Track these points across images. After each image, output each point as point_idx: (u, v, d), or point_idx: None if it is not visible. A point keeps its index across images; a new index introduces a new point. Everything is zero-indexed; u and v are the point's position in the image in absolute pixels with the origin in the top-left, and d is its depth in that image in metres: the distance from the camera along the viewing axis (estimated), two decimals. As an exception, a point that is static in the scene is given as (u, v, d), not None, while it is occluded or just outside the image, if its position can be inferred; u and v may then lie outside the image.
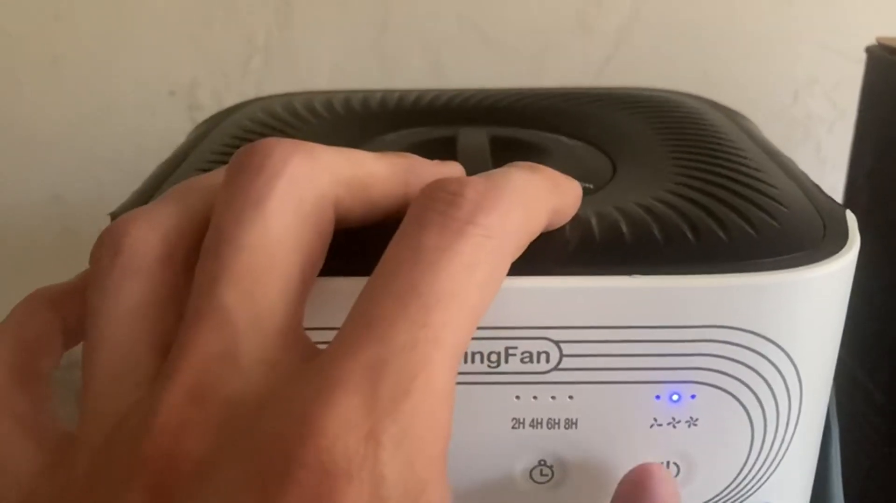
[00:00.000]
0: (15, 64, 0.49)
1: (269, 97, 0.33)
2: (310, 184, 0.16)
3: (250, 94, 0.50)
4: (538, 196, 0.17)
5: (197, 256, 0.16)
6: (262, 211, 0.16)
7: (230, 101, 0.50)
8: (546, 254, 0.19)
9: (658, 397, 0.19)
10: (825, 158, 0.51)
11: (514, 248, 0.16)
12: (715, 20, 0.49)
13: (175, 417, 0.14)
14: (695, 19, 0.49)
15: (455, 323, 0.14)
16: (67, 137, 0.50)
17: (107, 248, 0.17)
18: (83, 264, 0.19)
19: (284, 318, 0.15)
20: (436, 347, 0.14)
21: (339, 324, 0.18)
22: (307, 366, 0.15)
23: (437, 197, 0.16)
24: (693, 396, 0.19)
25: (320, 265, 0.17)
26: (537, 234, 0.17)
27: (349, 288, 0.17)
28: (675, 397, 0.19)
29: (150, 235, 0.17)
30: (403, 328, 0.14)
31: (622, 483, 0.20)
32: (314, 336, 0.16)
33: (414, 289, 0.14)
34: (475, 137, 0.27)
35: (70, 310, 0.18)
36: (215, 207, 0.16)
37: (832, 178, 0.41)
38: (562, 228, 0.19)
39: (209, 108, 0.50)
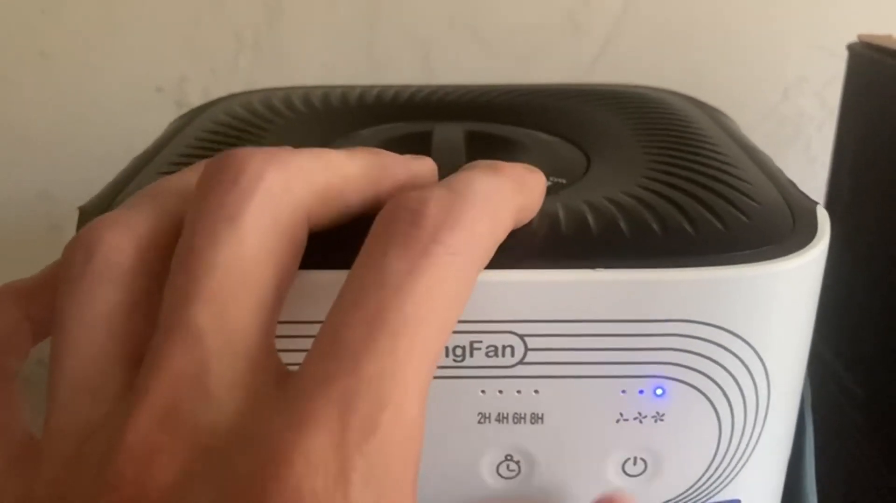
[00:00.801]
0: (1, 59, 0.49)
1: (248, 92, 0.32)
2: (285, 198, 0.16)
3: (238, 90, 0.50)
4: (502, 200, 0.17)
5: (168, 264, 0.16)
6: (236, 228, 0.15)
7: (218, 97, 0.50)
8: (512, 248, 0.18)
9: (624, 391, 0.19)
10: (815, 157, 0.51)
11: (481, 260, 0.16)
12: (704, 19, 0.49)
13: (144, 442, 0.14)
14: (684, 18, 0.49)
15: (423, 347, 0.14)
16: (55, 133, 0.50)
17: (79, 252, 0.16)
18: (44, 267, 0.19)
19: (257, 339, 0.15)
20: (404, 375, 0.14)
21: (304, 318, 0.18)
22: (278, 397, 0.14)
23: (399, 217, 0.15)
24: (659, 391, 0.19)
25: (293, 277, 0.17)
26: (504, 236, 0.17)
27: (320, 280, 0.17)
28: (641, 392, 0.19)
29: (124, 242, 0.16)
30: (371, 359, 0.14)
31: None
32: (285, 329, 0.16)
33: (380, 315, 0.14)
34: (451, 133, 0.27)
35: (38, 305, 0.18)
36: (187, 219, 0.16)
37: (822, 176, 0.41)
38: (529, 222, 0.19)
39: (196, 105, 0.50)
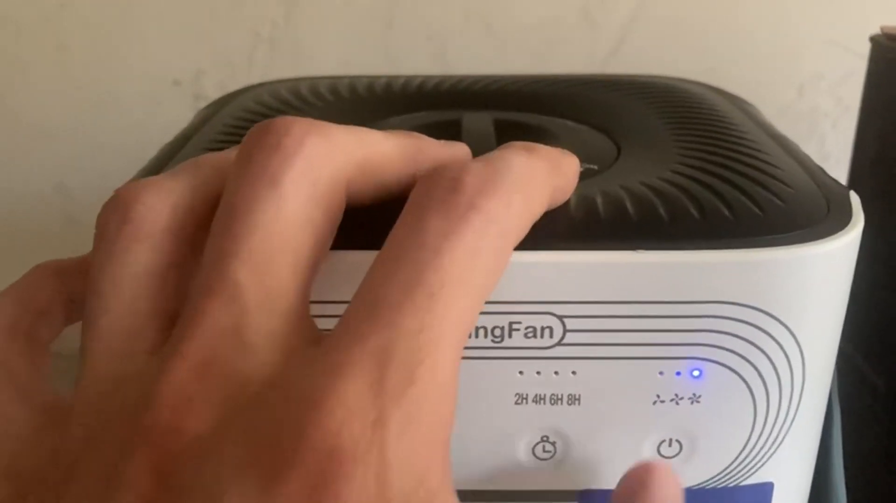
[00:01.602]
0: (20, 52, 0.49)
1: (275, 82, 0.33)
2: (325, 165, 0.16)
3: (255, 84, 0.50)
4: (538, 178, 0.17)
5: (205, 231, 0.16)
6: (276, 190, 0.15)
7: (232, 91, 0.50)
8: (550, 230, 0.19)
9: (661, 373, 0.19)
10: (829, 153, 0.51)
11: (517, 231, 0.16)
12: (719, 15, 0.49)
13: (179, 391, 0.14)
14: (699, 13, 0.49)
15: (459, 308, 0.14)
16: (72, 126, 0.50)
17: (115, 213, 0.17)
18: (87, 252, 0.19)
19: (294, 299, 0.15)
20: (441, 333, 0.14)
21: (337, 298, 0.18)
22: (314, 350, 0.15)
23: (439, 183, 0.16)
24: (696, 373, 0.19)
25: (329, 246, 0.17)
26: (539, 214, 0.17)
27: (353, 261, 0.17)
28: (678, 374, 0.19)
29: (160, 205, 0.17)
30: (409, 314, 0.14)
31: (624, 478, 0.20)
32: (314, 309, 0.16)
33: (419, 274, 0.14)
34: (480, 121, 0.27)
35: (76, 283, 0.18)
36: (228, 182, 0.16)
37: (836, 173, 0.41)
38: (566, 204, 0.20)
39: (213, 98, 0.50)
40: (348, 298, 0.15)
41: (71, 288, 0.18)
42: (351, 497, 0.13)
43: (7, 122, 0.50)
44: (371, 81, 0.31)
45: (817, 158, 0.51)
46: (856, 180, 0.35)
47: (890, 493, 0.32)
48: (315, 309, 0.16)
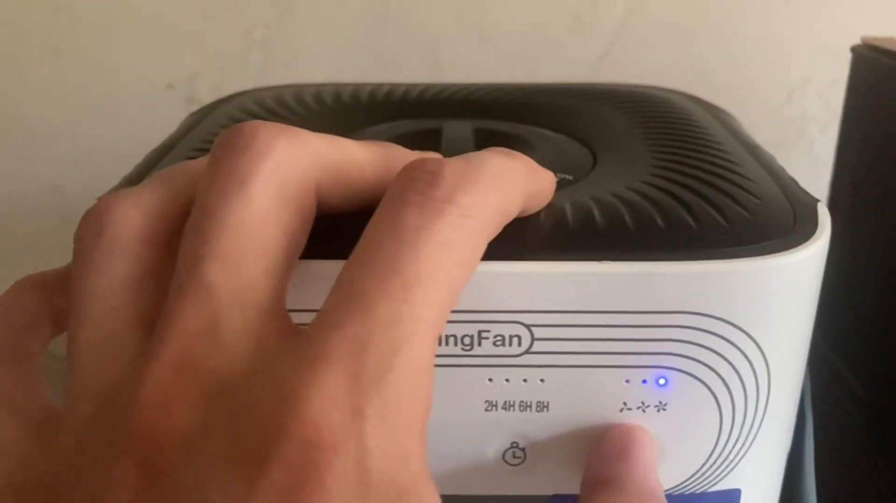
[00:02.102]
0: (15, 55, 0.49)
1: (261, 89, 0.33)
2: (294, 166, 0.16)
3: (248, 87, 0.51)
4: (515, 179, 0.18)
5: (180, 239, 0.16)
6: (246, 191, 0.16)
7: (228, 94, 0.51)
8: (520, 240, 0.19)
9: (628, 381, 0.20)
10: (818, 158, 0.51)
11: (491, 228, 0.17)
12: (709, 20, 0.49)
13: (160, 392, 0.14)
14: (689, 19, 0.49)
15: (434, 299, 0.15)
16: (67, 129, 0.51)
17: (90, 226, 0.17)
18: (67, 263, 0.20)
19: (267, 296, 0.16)
20: (417, 322, 0.14)
21: (318, 306, 0.19)
22: (290, 342, 0.15)
23: (416, 177, 0.16)
24: (662, 381, 0.20)
25: (302, 247, 0.17)
26: (513, 215, 0.18)
27: (327, 270, 0.17)
28: (644, 382, 0.20)
29: (134, 214, 0.17)
30: (385, 304, 0.14)
31: (603, 441, 0.20)
32: (294, 318, 0.17)
33: (394, 266, 0.15)
34: (460, 130, 0.27)
35: (59, 295, 0.18)
36: (199, 186, 0.17)
37: (825, 178, 0.41)
38: (536, 215, 0.20)
39: (207, 102, 0.50)
40: (320, 307, 0.15)
41: (54, 300, 0.18)
42: (333, 485, 0.13)
43: (3, 124, 0.51)
44: (356, 90, 0.31)
45: (807, 162, 0.52)
46: (837, 187, 0.35)
47: (870, 498, 0.32)
48: (292, 318, 0.17)
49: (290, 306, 0.17)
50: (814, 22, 0.49)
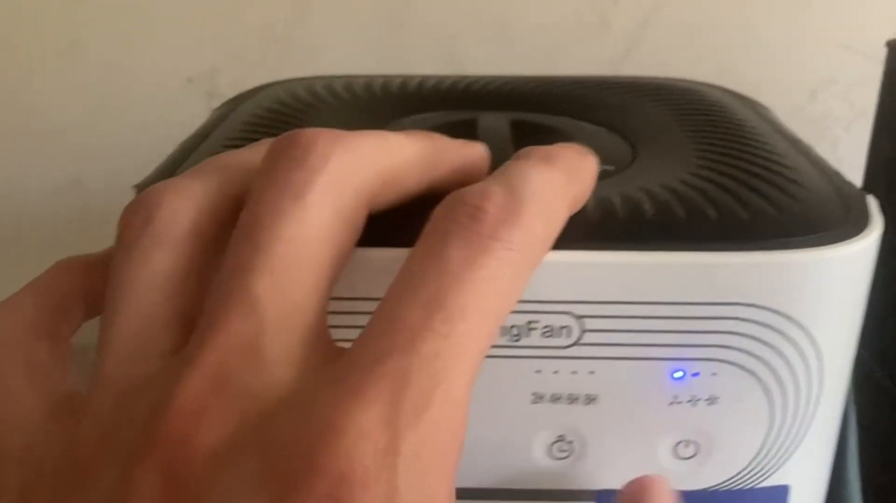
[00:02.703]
0: (35, 49, 0.49)
1: (290, 80, 0.33)
2: (349, 180, 0.16)
3: (268, 82, 0.51)
4: (557, 196, 0.17)
5: (226, 232, 0.16)
6: (301, 204, 0.16)
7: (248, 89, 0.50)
8: (570, 230, 0.19)
9: (678, 374, 0.19)
10: (841, 157, 0.51)
11: (537, 257, 0.16)
12: (731, 18, 0.49)
13: (194, 402, 0.14)
14: (712, 17, 0.49)
15: (477, 333, 0.15)
16: (86, 122, 0.50)
17: (138, 215, 0.17)
18: (101, 248, 0.19)
19: (312, 316, 0.15)
20: (458, 358, 0.14)
21: (354, 294, 0.18)
22: (331, 370, 0.15)
23: (459, 210, 0.16)
24: (713, 374, 0.19)
25: (349, 260, 0.17)
26: (558, 233, 0.17)
27: (368, 258, 0.17)
28: (695, 375, 0.19)
29: (183, 208, 0.17)
30: (427, 339, 0.14)
31: (620, 495, 0.20)
32: (332, 305, 0.16)
33: (438, 300, 0.14)
34: (495, 121, 0.27)
35: (95, 280, 0.18)
36: (252, 191, 0.16)
37: (849, 177, 0.41)
38: (584, 206, 0.20)
39: (227, 96, 0.49)
40: (361, 295, 0.15)
41: (91, 284, 0.18)
42: None
43: (23, 118, 0.50)
44: (386, 81, 0.31)
45: (830, 161, 0.51)
46: (870, 185, 0.35)
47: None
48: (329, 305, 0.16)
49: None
50: (839, 20, 0.48)
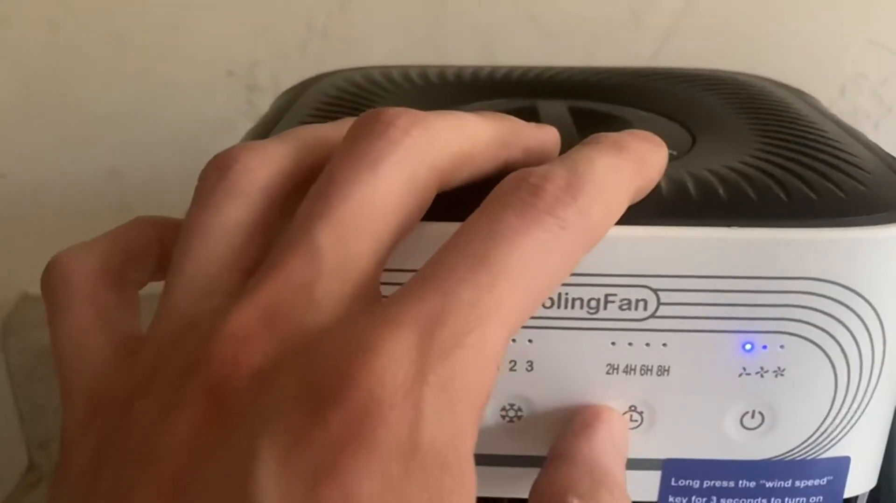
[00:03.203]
0: (77, 40, 0.50)
1: (348, 70, 0.34)
2: (424, 157, 0.17)
3: (308, 76, 0.51)
4: (620, 184, 0.18)
5: (297, 200, 0.17)
6: (375, 171, 0.17)
7: (288, 83, 0.51)
8: (645, 206, 0.20)
9: (748, 346, 0.20)
10: (870, 152, 0.52)
11: (589, 241, 0.17)
12: (762, 15, 0.50)
13: (244, 327, 0.15)
14: (743, 13, 0.50)
15: (516, 297, 0.15)
16: (127, 114, 0.51)
17: (215, 170, 0.18)
18: None
19: (366, 271, 0.16)
20: (495, 312, 0.15)
21: (410, 266, 0.19)
22: (372, 306, 0.16)
23: (521, 185, 0.16)
24: (781, 347, 0.20)
25: (412, 230, 0.18)
26: (615, 221, 0.18)
27: (429, 232, 0.18)
28: (765, 347, 0.20)
29: (258, 166, 0.18)
30: (469, 287, 0.15)
31: (572, 418, 0.21)
32: (385, 276, 0.17)
33: (486, 258, 0.15)
34: (555, 109, 0.28)
35: (168, 235, 0.19)
36: (333, 158, 0.17)
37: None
38: (657, 186, 0.20)
39: (267, 90, 0.51)
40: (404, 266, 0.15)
41: (164, 238, 0.19)
42: (383, 438, 0.13)
43: (64, 108, 0.51)
44: (441, 70, 0.32)
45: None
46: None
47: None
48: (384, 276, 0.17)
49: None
50: (869, 16, 0.49)
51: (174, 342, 0.16)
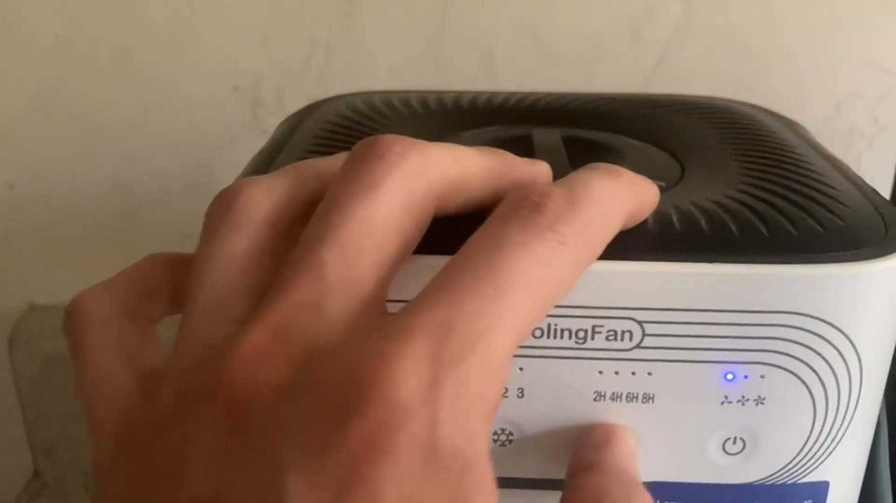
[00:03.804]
0: (84, 53, 0.51)
1: (349, 95, 0.34)
2: (421, 179, 0.18)
3: (311, 91, 0.52)
4: (615, 204, 0.19)
5: (301, 227, 0.18)
6: (375, 192, 0.17)
7: (292, 98, 0.52)
8: (631, 242, 0.20)
9: (730, 376, 0.21)
10: (865, 172, 0.52)
11: (587, 256, 0.18)
12: (759, 32, 0.50)
13: (257, 348, 0.16)
14: (740, 31, 0.50)
15: (521, 308, 0.16)
16: (133, 127, 0.52)
17: (221, 203, 0.19)
18: (144, 249, 0.22)
19: (372, 289, 0.17)
20: (500, 323, 0.16)
21: (400, 297, 0.20)
22: (381, 320, 0.16)
23: (523, 203, 0.17)
24: (762, 377, 0.21)
25: (411, 252, 0.19)
26: (611, 238, 0.19)
27: (427, 265, 0.19)
28: (745, 377, 0.21)
29: (262, 199, 0.19)
30: (475, 299, 0.16)
31: (587, 434, 0.22)
32: (391, 307, 0.18)
33: (490, 271, 0.16)
34: (549, 137, 0.29)
35: (180, 272, 0.20)
36: (333, 183, 0.18)
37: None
38: (646, 221, 0.21)
39: (271, 105, 0.52)
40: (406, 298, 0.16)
41: (176, 275, 0.20)
42: (404, 445, 0.14)
43: (71, 119, 0.52)
44: (440, 96, 0.33)
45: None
46: (897, 199, 0.36)
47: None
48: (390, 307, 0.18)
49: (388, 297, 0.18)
50: (864, 36, 0.50)
51: (194, 369, 0.17)
